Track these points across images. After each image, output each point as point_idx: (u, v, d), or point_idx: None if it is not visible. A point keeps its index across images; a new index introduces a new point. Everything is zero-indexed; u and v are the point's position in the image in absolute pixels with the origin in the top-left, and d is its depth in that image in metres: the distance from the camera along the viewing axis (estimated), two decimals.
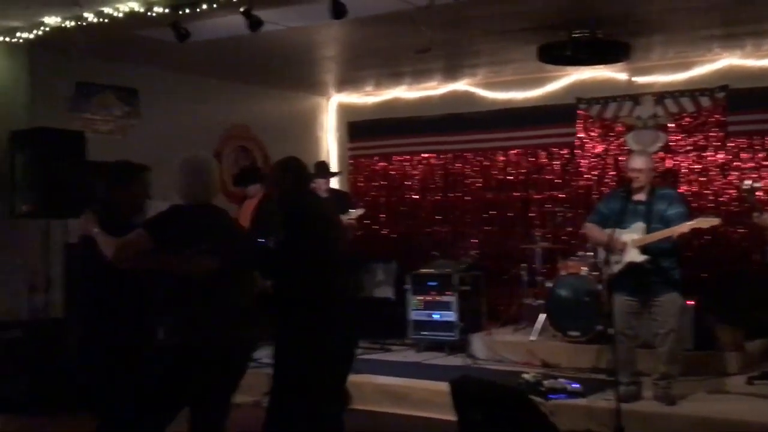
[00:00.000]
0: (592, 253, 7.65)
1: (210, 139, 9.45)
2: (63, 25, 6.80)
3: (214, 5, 6.17)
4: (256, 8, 6.13)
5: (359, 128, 10.73)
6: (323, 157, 10.87)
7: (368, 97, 10.67)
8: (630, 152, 8.09)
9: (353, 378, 7.13)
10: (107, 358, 4.31)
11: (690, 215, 6.02)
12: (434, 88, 10.11)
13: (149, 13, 6.40)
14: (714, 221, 5.95)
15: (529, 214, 9.61)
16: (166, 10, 6.35)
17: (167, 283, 4.09)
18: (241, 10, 6.10)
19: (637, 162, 6.20)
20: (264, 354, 7.69)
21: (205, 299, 4.02)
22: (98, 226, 4.18)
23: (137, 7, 6.39)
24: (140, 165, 4.62)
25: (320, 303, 4.68)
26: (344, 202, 8.54)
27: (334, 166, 10.19)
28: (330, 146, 11.02)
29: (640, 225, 6.04)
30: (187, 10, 6.29)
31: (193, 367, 4.00)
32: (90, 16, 6.51)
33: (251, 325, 4.31)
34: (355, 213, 8.12)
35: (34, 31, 7.03)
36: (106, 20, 6.55)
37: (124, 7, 6.42)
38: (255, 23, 6.15)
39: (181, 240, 4.04)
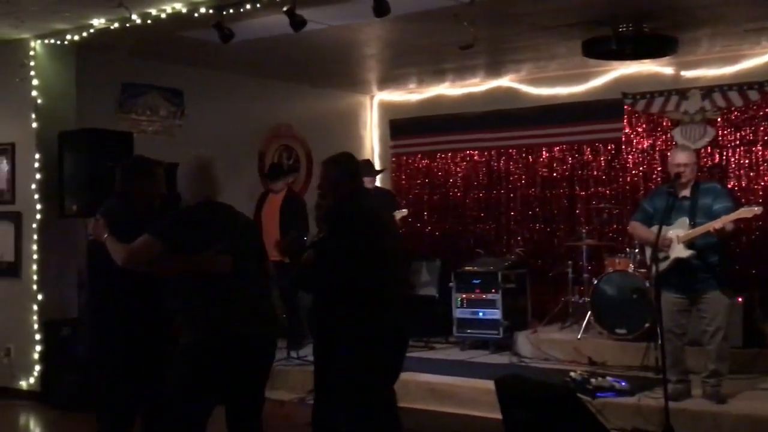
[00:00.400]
0: (638, 250, 7.56)
1: (254, 139, 9.54)
2: (109, 26, 6.90)
3: (258, 5, 6.21)
4: (298, 7, 6.15)
5: (402, 126, 10.72)
6: (366, 156, 10.91)
7: (411, 95, 10.66)
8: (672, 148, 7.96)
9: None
10: (125, 358, 4.37)
11: (736, 208, 5.92)
12: (477, 85, 10.07)
13: (194, 14, 6.47)
14: (756, 210, 5.85)
15: (575, 211, 9.54)
16: (210, 11, 6.40)
17: (186, 283, 4.09)
18: (285, 9, 6.12)
19: (682, 157, 6.12)
20: (309, 352, 7.78)
21: (226, 296, 4.02)
22: (108, 231, 4.23)
23: (181, 8, 6.46)
24: (155, 160, 4.63)
25: (379, 301, 4.64)
26: (389, 201, 8.57)
27: (377, 165, 10.22)
28: (373, 144, 11.03)
29: (684, 221, 5.97)
30: (231, 11, 6.34)
31: (220, 363, 4.00)
32: (135, 18, 6.58)
33: (272, 319, 4.35)
34: (398, 214, 8.14)
35: (82, 33, 7.14)
36: (150, 21, 6.63)
37: (168, 9, 6.49)
38: (298, 23, 6.17)
39: (193, 242, 4.04)
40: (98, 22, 6.91)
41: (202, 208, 4.15)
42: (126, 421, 4.51)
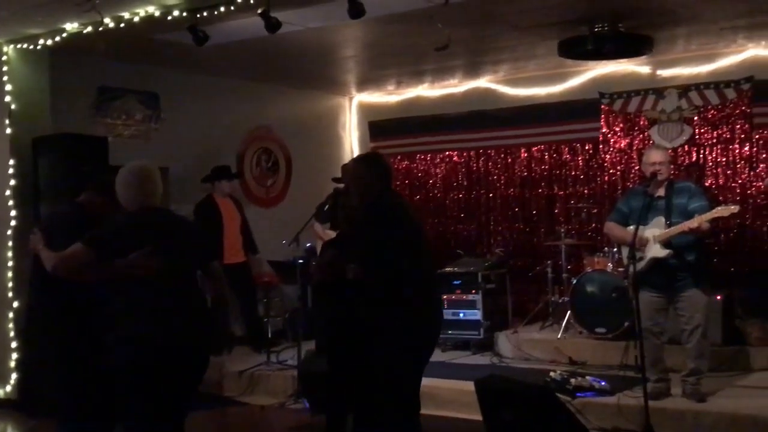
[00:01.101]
0: (616, 250, 7.58)
1: (232, 141, 9.49)
2: (82, 31, 6.84)
3: (232, 7, 6.18)
4: (273, 10, 6.12)
5: (381, 127, 10.71)
6: (346, 158, 10.88)
7: (390, 96, 10.64)
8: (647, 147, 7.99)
9: None
10: (66, 366, 4.51)
11: (711, 207, 5.94)
12: (456, 86, 10.07)
13: (167, 17, 6.42)
14: (733, 209, 5.87)
15: (554, 211, 9.55)
16: (184, 14, 6.37)
17: (123, 290, 4.13)
18: (259, 11, 6.09)
19: (657, 155, 6.14)
20: (289, 356, 7.76)
21: (161, 300, 4.10)
22: (43, 243, 4.33)
23: (154, 11, 6.41)
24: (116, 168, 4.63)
25: (427, 295, 4.70)
26: (333, 204, 8.57)
27: None
28: (352, 146, 11.01)
29: (660, 220, 5.99)
30: (205, 14, 6.31)
31: (156, 367, 4.04)
32: (108, 22, 6.53)
33: (208, 325, 4.40)
34: None
35: (55, 38, 7.07)
36: (123, 25, 6.58)
37: (142, 12, 6.44)
38: (273, 25, 6.14)
39: (126, 249, 4.08)
40: (71, 27, 6.85)
41: (136, 215, 4.24)
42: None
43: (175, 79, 8.78)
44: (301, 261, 7.51)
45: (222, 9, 6.23)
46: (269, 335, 8.31)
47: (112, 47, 7.36)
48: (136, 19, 6.52)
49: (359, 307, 4.86)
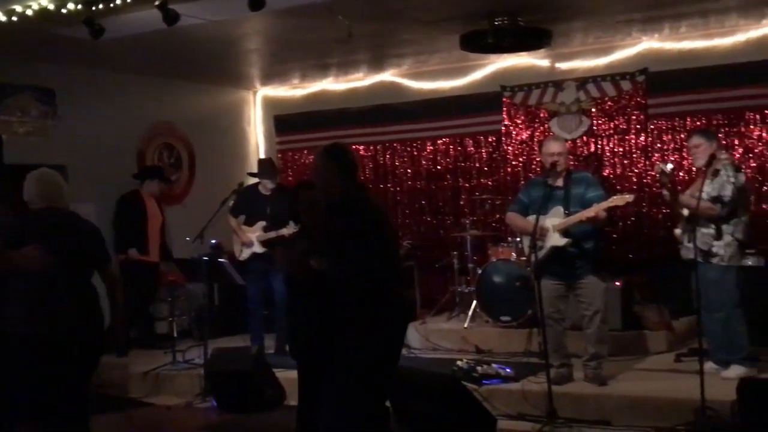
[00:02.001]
0: (519, 239, 7.72)
1: (133, 137, 9.29)
2: None
3: (128, 0, 6.03)
4: (172, 2, 6.01)
5: (286, 122, 10.64)
6: (251, 152, 10.81)
7: (295, 90, 10.58)
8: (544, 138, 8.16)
9: (288, 374, 7.16)
10: None
11: (607, 197, 6.12)
12: (361, 80, 10.08)
13: (62, 10, 6.23)
14: (628, 198, 6.06)
15: (459, 203, 9.67)
16: (79, 7, 6.18)
17: (14, 280, 4.50)
18: (157, 3, 5.96)
19: (556, 146, 6.28)
20: (195, 355, 7.65)
21: (47, 291, 4.48)
22: None
23: (48, 4, 6.21)
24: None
25: (391, 287, 4.62)
26: (293, 198, 8.49)
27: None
28: (258, 141, 10.91)
29: (559, 210, 6.14)
30: (101, 6, 6.14)
31: (40, 356, 4.40)
32: (0, 15, 6.30)
33: (94, 321, 4.67)
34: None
35: None
36: (16, 19, 6.35)
37: (35, 5, 6.24)
38: (171, 17, 6.03)
39: (14, 242, 4.48)
40: None
41: (35, 213, 4.65)
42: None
43: (73, 75, 8.53)
44: (206, 258, 7.40)
45: (118, 1, 6.07)
46: (175, 335, 8.17)
47: (5, 42, 7.11)
48: (29, 12, 6.29)
49: (331, 299, 4.75)
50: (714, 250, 6.01)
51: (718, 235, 6.00)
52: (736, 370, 6.02)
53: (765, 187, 8.16)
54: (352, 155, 4.77)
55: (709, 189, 5.96)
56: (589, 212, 5.97)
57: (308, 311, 5.06)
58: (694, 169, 8.13)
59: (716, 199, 5.94)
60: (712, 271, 5.92)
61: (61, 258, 4.48)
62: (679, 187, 6.32)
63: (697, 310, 5.71)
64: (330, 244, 4.63)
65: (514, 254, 7.97)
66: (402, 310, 4.73)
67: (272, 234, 7.82)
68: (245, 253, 8.03)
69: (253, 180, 8.44)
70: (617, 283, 7.25)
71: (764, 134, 8.17)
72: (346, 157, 4.67)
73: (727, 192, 5.94)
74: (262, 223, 7.97)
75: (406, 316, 4.84)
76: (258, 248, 7.95)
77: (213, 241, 8.10)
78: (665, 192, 6.17)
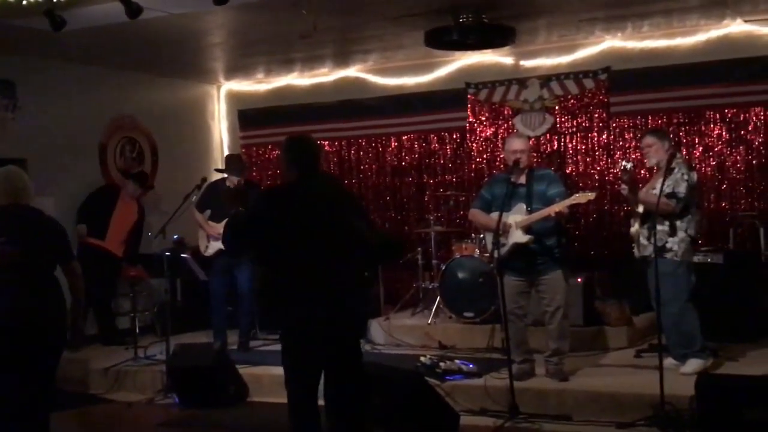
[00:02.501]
0: (482, 236, 7.76)
1: (94, 130, 9.18)
2: None
3: None
4: None
5: (251, 116, 10.59)
6: (215, 147, 10.74)
7: (259, 85, 10.53)
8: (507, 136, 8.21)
9: (251, 370, 7.13)
10: None
11: (568, 194, 6.18)
12: (326, 75, 10.05)
13: (22, 2, 6.14)
14: (590, 195, 6.13)
15: (424, 199, 9.69)
16: None
17: None
18: None
19: (518, 143, 6.33)
20: (157, 351, 7.59)
21: (12, 285, 4.67)
22: None
23: None
24: None
25: (294, 284, 4.57)
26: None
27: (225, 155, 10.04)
28: (222, 135, 10.84)
29: (521, 207, 6.18)
30: None
31: (3, 348, 4.58)
32: None
33: (61, 310, 4.87)
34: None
35: None
36: None
37: None
38: (134, 10, 5.97)
39: None
40: None
41: (1, 209, 4.84)
42: None
43: (33, 67, 8.41)
44: (168, 253, 7.34)
45: None
46: (137, 330, 8.10)
47: None
48: None
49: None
50: (668, 245, 6.11)
51: (672, 232, 6.11)
52: (693, 364, 6.11)
53: (724, 185, 8.28)
54: (307, 145, 4.69)
55: (664, 186, 6.06)
56: (552, 209, 6.02)
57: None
58: (654, 168, 8.27)
59: (671, 195, 6.04)
60: (665, 266, 6.01)
61: (26, 253, 4.68)
62: (640, 185, 6.39)
63: (656, 307, 5.78)
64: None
65: (477, 250, 8.01)
66: (304, 315, 4.35)
67: None
68: (211, 248, 7.97)
69: (219, 175, 8.38)
70: (579, 280, 7.31)
71: (723, 133, 8.30)
72: (297, 148, 4.65)
73: (681, 189, 6.05)
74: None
75: (308, 323, 4.37)
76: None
77: (175, 237, 8.05)
78: (623, 187, 6.26)
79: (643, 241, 6.20)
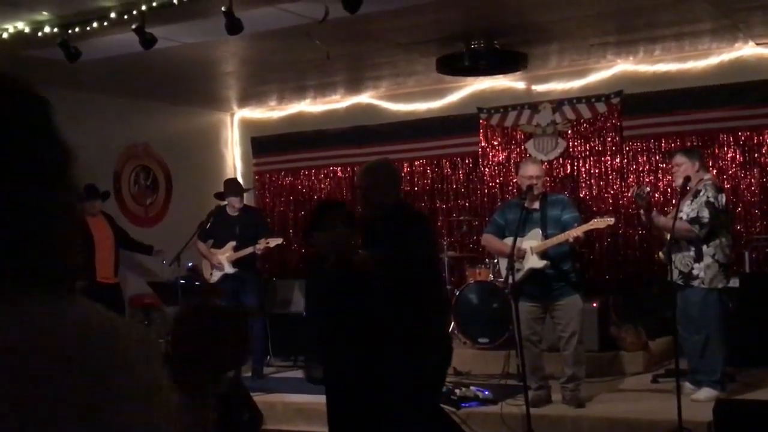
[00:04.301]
0: (496, 261, 7.74)
1: (108, 159, 9.23)
2: None
3: (105, 23, 6.03)
4: (149, 25, 6.00)
5: (264, 143, 10.63)
6: (228, 174, 10.76)
7: (272, 112, 10.58)
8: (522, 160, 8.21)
9: (266, 397, 7.12)
10: None
11: (583, 219, 6.17)
12: (338, 101, 10.10)
13: (37, 33, 6.21)
14: (609, 221, 6.11)
15: (436, 224, 9.67)
16: (55, 30, 6.17)
17: None
18: (133, 27, 5.95)
19: (534, 169, 6.32)
20: None
21: None
22: None
23: (24, 27, 6.19)
24: None
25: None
26: (260, 222, 8.47)
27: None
28: (235, 162, 10.89)
29: (536, 232, 6.16)
30: (77, 29, 6.13)
31: None
32: None
33: None
34: (273, 242, 8.05)
35: None
36: None
37: (11, 28, 6.21)
38: (148, 41, 6.02)
39: None
40: None
41: None
42: None
43: (47, 96, 8.39)
44: (182, 281, 7.36)
45: (95, 25, 6.06)
46: None
47: None
48: (5, 35, 6.27)
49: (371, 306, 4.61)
50: (695, 272, 6.04)
51: (698, 257, 6.03)
52: (705, 393, 6.06)
53: (738, 208, 8.25)
54: (388, 171, 4.80)
55: (688, 210, 6.01)
56: (571, 233, 6.00)
57: (346, 318, 4.74)
58: (669, 190, 8.25)
59: (694, 221, 5.98)
60: (693, 294, 5.95)
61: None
62: (655, 209, 6.36)
63: (673, 331, 5.74)
64: (387, 247, 4.46)
65: (491, 276, 7.98)
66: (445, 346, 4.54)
67: (244, 252, 7.83)
68: (215, 276, 8.02)
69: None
70: (594, 304, 7.28)
71: (737, 156, 8.27)
72: (381, 173, 4.70)
73: (705, 213, 5.98)
74: (232, 243, 7.97)
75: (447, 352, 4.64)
76: (229, 269, 7.96)
77: (189, 264, 8.07)
78: (643, 213, 6.23)
79: (672, 266, 6.14)
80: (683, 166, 6.20)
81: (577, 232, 6.02)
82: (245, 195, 9.15)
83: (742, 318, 7.08)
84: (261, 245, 7.70)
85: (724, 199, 6.13)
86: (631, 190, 6.59)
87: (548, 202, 6.26)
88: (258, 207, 9.82)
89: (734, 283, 7.24)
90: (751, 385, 6.51)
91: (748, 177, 8.23)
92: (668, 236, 6.13)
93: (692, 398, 6.01)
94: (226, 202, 8.16)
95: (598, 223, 6.08)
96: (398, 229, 4.45)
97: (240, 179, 10.48)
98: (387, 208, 4.57)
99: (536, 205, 6.24)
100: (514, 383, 6.67)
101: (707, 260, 6.03)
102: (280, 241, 8.16)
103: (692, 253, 6.03)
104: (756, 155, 8.20)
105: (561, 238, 6.04)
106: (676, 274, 5.90)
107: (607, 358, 7.27)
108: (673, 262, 5.96)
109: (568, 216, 6.16)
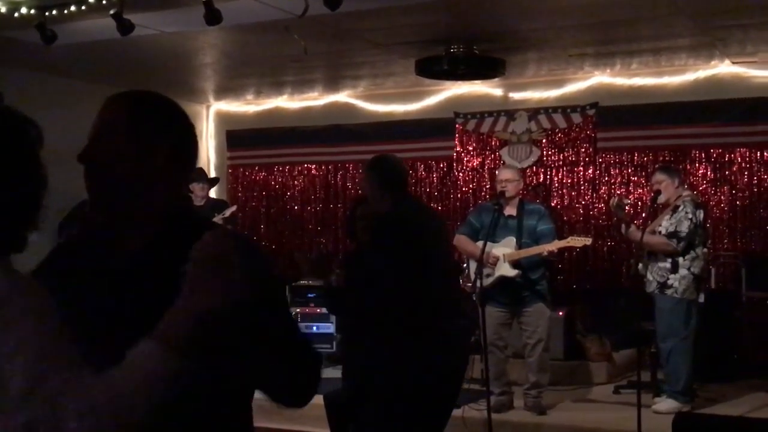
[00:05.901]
0: (466, 265, 7.74)
1: (78, 145, 9.10)
2: None
3: (83, 7, 5.96)
4: (127, 12, 5.94)
5: (239, 137, 10.58)
6: (202, 166, 10.69)
7: (249, 106, 10.53)
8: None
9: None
10: None
11: (557, 231, 6.22)
12: (315, 99, 10.07)
13: (14, 14, 6.13)
14: (586, 241, 6.19)
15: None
16: (32, 11, 6.09)
17: None
18: (112, 12, 5.90)
19: (506, 173, 6.38)
20: None
21: None
22: None
23: (1, 8, 6.11)
24: None
25: (428, 333, 4.06)
26: (219, 207, 8.55)
27: (212, 175, 10.03)
28: (209, 155, 10.83)
29: (511, 240, 6.18)
30: (54, 12, 6.05)
31: None
32: None
33: None
34: (228, 211, 8.16)
35: None
36: None
37: None
38: (126, 27, 5.96)
39: None
40: None
41: None
42: None
43: (22, 79, 8.36)
44: None
45: (73, 8, 5.99)
46: None
47: None
48: None
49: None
50: (669, 282, 6.14)
51: (674, 269, 6.13)
52: (667, 404, 6.12)
53: (707, 225, 8.31)
54: (396, 164, 4.27)
55: (666, 224, 6.11)
56: (545, 248, 6.07)
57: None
58: (639, 203, 8.32)
59: (672, 235, 6.06)
60: (664, 302, 6.04)
61: None
62: (635, 221, 6.46)
63: (637, 343, 5.80)
64: (357, 271, 4.11)
65: (460, 279, 7.97)
66: (446, 345, 4.01)
67: None
68: None
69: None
70: (560, 313, 7.31)
71: (708, 172, 8.35)
72: (386, 166, 4.21)
73: (684, 228, 6.08)
74: None
75: (445, 378, 4.07)
76: None
77: None
78: (622, 226, 6.31)
79: (649, 276, 6.22)
80: (664, 183, 6.30)
81: (552, 247, 6.07)
82: (216, 188, 9.16)
83: (705, 334, 7.14)
84: (218, 219, 7.77)
85: (702, 215, 6.24)
86: (610, 200, 6.64)
87: (525, 211, 6.29)
88: (225, 200, 9.72)
89: (701, 298, 7.33)
90: (711, 399, 6.58)
91: (719, 194, 8.31)
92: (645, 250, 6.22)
93: (653, 409, 6.06)
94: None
95: (575, 241, 6.14)
96: (375, 246, 4.06)
97: (213, 172, 10.45)
98: (379, 217, 4.13)
99: (513, 211, 6.26)
100: (477, 388, 6.65)
101: (683, 272, 6.13)
102: (234, 208, 8.43)
103: (668, 265, 6.12)
104: (726, 172, 8.28)
105: (536, 250, 6.08)
106: (654, 286, 6.02)
107: (572, 367, 7.31)
108: (652, 273, 6.09)
109: (544, 227, 6.19)
